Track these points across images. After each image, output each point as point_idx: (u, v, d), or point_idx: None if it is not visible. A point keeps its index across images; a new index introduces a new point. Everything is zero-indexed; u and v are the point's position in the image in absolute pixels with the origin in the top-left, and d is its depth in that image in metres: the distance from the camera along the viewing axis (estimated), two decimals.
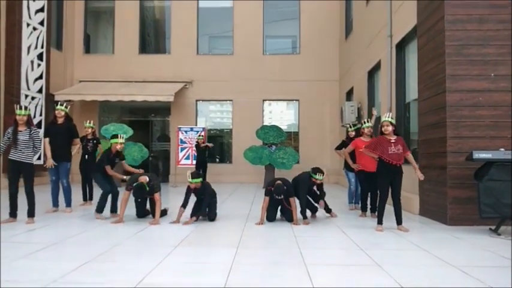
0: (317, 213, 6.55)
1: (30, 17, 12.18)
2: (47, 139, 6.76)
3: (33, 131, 5.75)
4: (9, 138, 5.73)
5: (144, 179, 5.75)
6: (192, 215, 6.00)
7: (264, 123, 14.54)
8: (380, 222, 5.53)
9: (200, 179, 6.03)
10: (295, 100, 15.26)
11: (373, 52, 10.30)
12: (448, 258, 4.01)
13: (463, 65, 6.06)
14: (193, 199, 6.03)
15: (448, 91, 6.03)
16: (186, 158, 13.19)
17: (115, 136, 6.44)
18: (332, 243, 4.83)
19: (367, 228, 5.67)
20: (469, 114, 5.99)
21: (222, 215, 6.51)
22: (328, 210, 6.52)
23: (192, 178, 5.90)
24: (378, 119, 6.81)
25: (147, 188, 5.71)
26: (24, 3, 11.91)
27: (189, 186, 5.96)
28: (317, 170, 6.12)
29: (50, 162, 6.61)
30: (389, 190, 5.52)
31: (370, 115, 7.21)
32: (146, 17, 16.27)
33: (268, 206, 6.01)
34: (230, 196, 9.90)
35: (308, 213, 6.26)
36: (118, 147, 6.38)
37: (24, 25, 11.90)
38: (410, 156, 5.65)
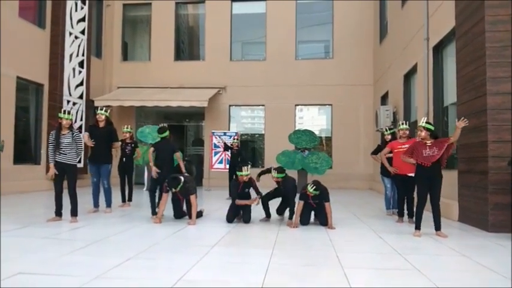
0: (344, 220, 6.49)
1: (72, 27, 12.77)
2: (87, 133, 6.99)
3: (75, 134, 6.02)
4: (53, 143, 5.91)
5: (180, 179, 5.94)
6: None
7: (296, 128, 14.51)
8: (418, 227, 5.41)
9: (284, 174, 6.43)
10: (328, 105, 15.17)
11: (409, 55, 10.13)
12: (491, 264, 3.89)
13: (504, 67, 5.87)
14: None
15: (489, 94, 5.86)
16: (219, 162, 13.35)
17: (240, 169, 6.36)
18: (369, 248, 4.78)
19: (405, 233, 5.56)
20: None
21: (256, 218, 6.57)
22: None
23: (278, 173, 6.37)
24: (415, 123, 6.65)
25: (181, 183, 5.85)
26: (68, 13, 12.51)
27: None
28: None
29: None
30: (428, 195, 5.40)
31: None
32: (181, 24, 16.67)
33: (302, 209, 6.02)
34: None
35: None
36: (244, 179, 6.38)
37: (67, 34, 12.50)
38: (453, 139, 5.30)
